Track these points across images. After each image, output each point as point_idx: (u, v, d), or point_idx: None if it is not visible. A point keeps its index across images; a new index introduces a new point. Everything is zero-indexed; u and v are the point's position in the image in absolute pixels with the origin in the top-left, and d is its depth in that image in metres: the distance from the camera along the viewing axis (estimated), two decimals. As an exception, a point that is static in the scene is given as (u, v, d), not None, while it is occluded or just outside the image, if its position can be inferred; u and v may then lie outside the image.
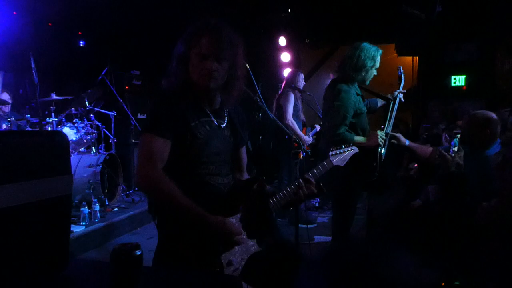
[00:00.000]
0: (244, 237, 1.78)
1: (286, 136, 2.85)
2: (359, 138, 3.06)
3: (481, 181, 2.80)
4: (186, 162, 1.80)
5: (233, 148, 1.98)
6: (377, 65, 3.15)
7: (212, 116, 1.89)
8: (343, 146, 2.27)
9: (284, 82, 5.41)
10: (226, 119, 1.94)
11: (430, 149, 3.32)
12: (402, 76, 3.52)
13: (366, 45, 3.13)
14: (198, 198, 1.71)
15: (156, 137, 1.73)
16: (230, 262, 1.73)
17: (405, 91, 3.41)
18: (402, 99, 3.43)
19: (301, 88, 5.25)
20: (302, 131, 5.27)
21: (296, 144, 4.92)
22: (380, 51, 3.16)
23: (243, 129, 2.04)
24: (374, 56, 3.10)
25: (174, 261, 1.72)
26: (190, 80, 1.84)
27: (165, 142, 1.74)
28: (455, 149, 3.35)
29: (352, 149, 2.29)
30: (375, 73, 3.18)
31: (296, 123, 5.09)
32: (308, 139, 5.36)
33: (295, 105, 5.15)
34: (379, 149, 3.05)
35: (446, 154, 3.15)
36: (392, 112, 3.31)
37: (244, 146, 2.08)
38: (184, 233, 1.71)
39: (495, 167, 2.47)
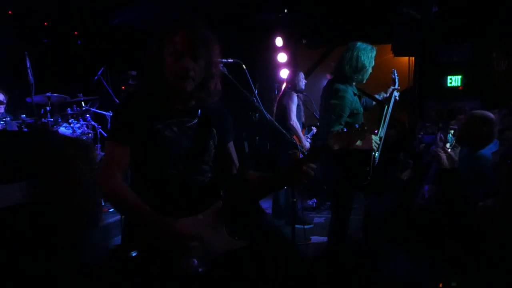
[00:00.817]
0: (207, 240, 1.68)
1: (289, 140, 2.82)
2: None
3: (476, 180, 2.81)
4: (154, 163, 1.81)
5: (207, 147, 1.93)
6: (373, 63, 3.18)
7: (182, 116, 1.87)
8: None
9: (285, 83, 5.38)
10: (197, 118, 1.91)
11: None
12: (396, 79, 3.59)
13: (361, 44, 3.15)
14: (164, 198, 1.74)
15: (115, 144, 1.78)
16: (191, 263, 1.62)
17: (399, 87, 3.41)
18: (397, 98, 3.43)
19: (303, 88, 5.23)
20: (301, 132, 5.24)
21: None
22: (375, 49, 3.19)
23: (224, 127, 2.00)
24: (371, 55, 3.14)
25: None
26: (163, 80, 1.81)
27: (124, 148, 1.78)
28: (450, 144, 3.34)
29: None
30: (370, 71, 3.21)
31: (299, 123, 5.06)
32: (306, 142, 5.32)
33: (298, 106, 5.10)
34: (373, 153, 3.06)
35: (440, 150, 3.12)
36: (386, 116, 3.32)
37: (228, 143, 2.04)
38: (141, 235, 1.68)
39: (492, 167, 2.48)
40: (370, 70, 3.19)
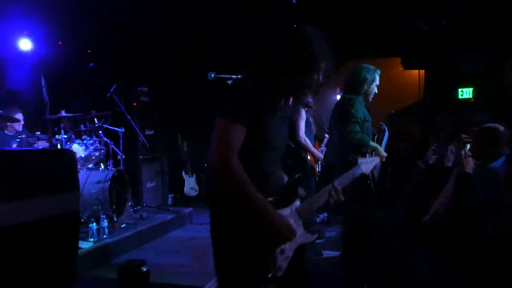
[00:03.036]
0: (299, 232, 1.86)
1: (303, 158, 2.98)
2: (373, 143, 3.48)
3: (488, 193, 2.78)
4: (256, 152, 1.84)
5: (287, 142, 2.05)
6: (377, 82, 3.61)
7: (281, 113, 1.94)
8: (369, 155, 2.32)
9: (291, 98, 5.35)
10: (284, 116, 1.99)
11: None
12: (386, 132, 4.08)
13: (365, 65, 3.66)
14: (261, 188, 1.75)
15: (236, 124, 1.72)
16: (283, 251, 1.82)
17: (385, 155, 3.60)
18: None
19: (311, 101, 5.22)
20: (315, 145, 5.18)
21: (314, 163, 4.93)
22: (379, 70, 3.64)
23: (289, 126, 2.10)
24: (372, 70, 3.59)
25: (233, 254, 1.77)
26: (287, 85, 1.87)
27: (242, 130, 1.74)
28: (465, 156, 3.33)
29: (375, 158, 2.33)
30: (376, 91, 3.64)
31: (309, 138, 5.01)
32: (319, 154, 5.26)
33: (307, 120, 5.08)
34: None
35: (467, 155, 3.12)
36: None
37: None
38: (244, 224, 1.74)
39: (500, 180, 2.45)
40: (373, 87, 3.61)
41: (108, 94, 5.67)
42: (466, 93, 7.30)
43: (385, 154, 3.51)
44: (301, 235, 1.89)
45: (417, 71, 7.91)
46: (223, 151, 1.69)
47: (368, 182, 3.32)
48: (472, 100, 7.28)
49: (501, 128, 3.00)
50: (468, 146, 3.19)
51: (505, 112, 6.68)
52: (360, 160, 2.24)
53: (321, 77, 1.85)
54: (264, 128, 1.83)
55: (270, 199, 1.80)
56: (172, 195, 7.25)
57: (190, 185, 7.69)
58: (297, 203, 1.90)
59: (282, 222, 1.77)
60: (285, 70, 1.82)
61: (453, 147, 3.64)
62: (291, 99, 1.97)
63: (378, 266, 3.69)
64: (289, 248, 1.83)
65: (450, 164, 3.46)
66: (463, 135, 4.16)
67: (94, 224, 4.44)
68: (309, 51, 1.81)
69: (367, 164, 2.25)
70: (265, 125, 1.83)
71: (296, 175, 1.93)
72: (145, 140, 6.02)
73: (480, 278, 2.28)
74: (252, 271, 1.77)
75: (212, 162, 1.71)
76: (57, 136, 4.97)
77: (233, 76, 3.85)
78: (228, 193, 1.75)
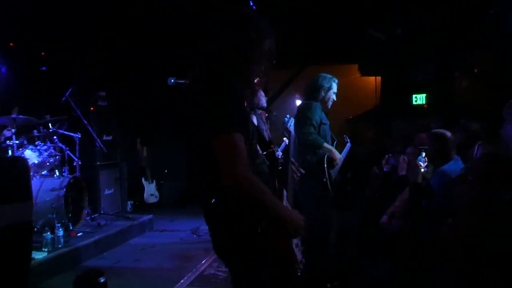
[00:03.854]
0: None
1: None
2: (327, 145, 3.69)
3: (438, 196, 2.91)
4: (250, 154, 1.79)
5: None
6: (334, 89, 3.81)
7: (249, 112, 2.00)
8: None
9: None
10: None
11: None
12: (348, 143, 4.15)
13: (323, 74, 3.86)
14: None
15: (237, 135, 1.67)
16: (296, 244, 1.90)
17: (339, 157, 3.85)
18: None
19: (265, 105, 5.25)
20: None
21: None
22: (336, 79, 3.84)
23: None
24: (329, 78, 3.79)
25: (261, 258, 1.76)
26: (250, 76, 1.89)
27: (242, 138, 1.70)
28: (423, 164, 3.48)
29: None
30: (334, 98, 3.83)
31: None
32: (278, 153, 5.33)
33: (258, 125, 5.11)
34: (326, 167, 3.61)
35: (420, 164, 3.26)
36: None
37: None
38: (266, 228, 1.74)
39: (453, 184, 2.56)
40: (331, 95, 3.80)
41: (63, 98, 5.48)
42: (419, 99, 7.59)
43: (339, 156, 3.76)
44: None
45: (374, 77, 8.17)
46: (237, 167, 1.63)
47: (325, 180, 3.55)
48: (425, 106, 7.58)
49: (444, 133, 3.15)
50: (424, 153, 3.35)
51: (455, 117, 7.02)
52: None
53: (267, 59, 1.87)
54: (252, 127, 1.87)
55: None
56: (131, 201, 7.08)
57: (150, 191, 7.55)
58: (285, 193, 1.98)
59: (297, 215, 1.79)
60: (249, 58, 1.83)
61: (405, 156, 3.83)
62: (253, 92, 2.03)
63: (337, 266, 3.78)
64: (296, 240, 1.90)
65: (403, 173, 3.62)
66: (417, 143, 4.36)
67: (49, 233, 4.27)
68: (252, 28, 1.83)
69: None
70: (252, 125, 1.89)
71: (277, 169, 1.98)
72: (102, 146, 5.85)
73: (434, 280, 2.37)
74: (288, 273, 1.81)
75: (228, 182, 1.64)
76: (7, 141, 4.75)
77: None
78: (250, 206, 1.71)
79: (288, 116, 3.31)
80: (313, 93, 3.79)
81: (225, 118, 1.68)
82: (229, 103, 1.71)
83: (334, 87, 3.83)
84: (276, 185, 1.94)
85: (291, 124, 3.17)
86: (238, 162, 1.63)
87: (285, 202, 1.95)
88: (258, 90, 2.05)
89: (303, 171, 2.21)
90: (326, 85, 3.77)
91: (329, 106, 3.85)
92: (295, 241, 1.89)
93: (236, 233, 1.78)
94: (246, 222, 1.75)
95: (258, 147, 1.99)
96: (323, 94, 3.77)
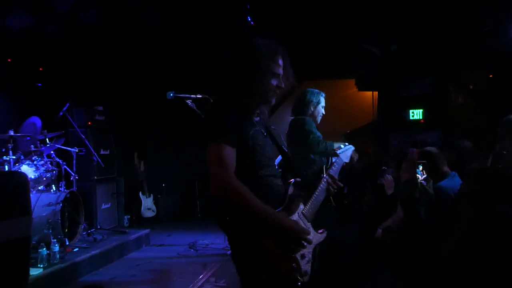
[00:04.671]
0: (311, 233, 1.92)
1: None
2: (336, 144, 3.63)
3: (435, 212, 2.91)
4: (251, 166, 1.90)
5: (276, 153, 2.12)
6: (323, 104, 3.89)
7: (258, 126, 2.01)
8: (343, 146, 2.65)
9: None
10: (263, 126, 2.07)
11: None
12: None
13: (310, 89, 3.95)
14: (265, 200, 1.79)
15: (225, 146, 1.79)
16: (303, 256, 1.87)
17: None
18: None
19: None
20: None
21: None
22: (323, 94, 3.92)
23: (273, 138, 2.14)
24: (316, 93, 3.88)
25: (255, 267, 1.78)
26: (253, 92, 1.94)
27: (232, 151, 1.81)
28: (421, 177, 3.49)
29: (350, 146, 2.67)
30: (323, 112, 3.91)
31: None
32: None
33: None
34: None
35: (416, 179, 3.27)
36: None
37: None
38: (259, 237, 1.77)
39: (453, 201, 2.57)
40: (320, 109, 3.87)
41: (61, 113, 5.49)
42: (416, 114, 7.64)
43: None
44: (314, 237, 1.95)
45: (371, 92, 8.23)
46: (220, 175, 1.76)
47: (329, 203, 3.46)
48: (422, 121, 7.62)
49: (433, 150, 3.19)
50: (421, 167, 3.36)
51: (451, 131, 7.07)
52: (339, 151, 2.51)
53: (284, 77, 1.98)
54: (252, 141, 1.90)
55: (279, 209, 1.86)
56: (128, 216, 7.03)
57: (147, 205, 7.52)
58: (301, 206, 1.96)
59: (298, 227, 1.84)
60: (249, 75, 1.91)
61: (389, 176, 3.88)
62: (263, 106, 2.06)
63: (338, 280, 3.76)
64: (307, 251, 1.89)
65: (391, 191, 3.65)
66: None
67: (44, 249, 4.23)
68: (263, 50, 1.93)
69: (346, 153, 2.55)
70: (252, 138, 1.90)
71: (291, 180, 1.99)
72: (100, 160, 5.84)
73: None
74: (284, 283, 1.80)
75: (212, 190, 1.77)
76: (4, 157, 4.73)
77: (192, 96, 3.86)
78: (238, 213, 1.79)
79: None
80: (302, 108, 3.86)
81: (216, 130, 1.83)
82: (223, 117, 1.85)
83: (322, 101, 3.91)
84: (287, 197, 1.94)
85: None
86: (221, 171, 1.76)
87: (296, 216, 1.91)
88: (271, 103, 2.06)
89: (341, 184, 2.17)
90: (315, 100, 3.85)
91: (319, 121, 3.90)
92: (304, 252, 1.87)
93: (234, 240, 1.88)
94: (241, 230, 1.83)
95: (271, 161, 2.02)
96: (312, 109, 3.85)
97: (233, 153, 1.81)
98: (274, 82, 1.96)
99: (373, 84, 7.82)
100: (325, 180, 2.10)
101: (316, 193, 2.05)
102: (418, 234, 2.95)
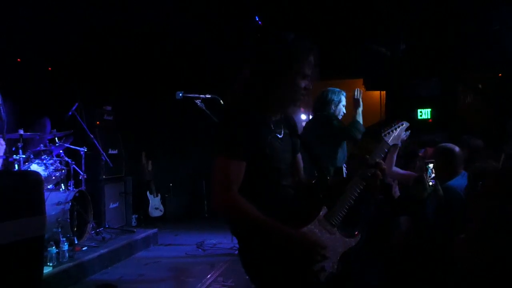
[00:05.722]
0: (329, 244, 1.75)
1: None
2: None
3: (445, 212, 2.88)
4: (265, 172, 1.81)
5: (292, 156, 1.97)
6: (343, 102, 3.89)
7: (275, 128, 1.88)
8: (393, 125, 2.11)
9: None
10: (283, 130, 1.92)
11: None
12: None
13: (331, 88, 3.95)
14: (278, 210, 1.72)
15: (232, 161, 1.70)
16: (323, 268, 1.72)
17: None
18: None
19: None
20: None
21: None
22: (344, 92, 3.92)
23: (297, 136, 2.02)
24: (337, 92, 3.86)
25: (269, 281, 1.72)
26: (273, 95, 1.82)
27: (240, 164, 1.72)
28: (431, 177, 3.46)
29: (401, 124, 2.12)
30: (344, 111, 3.91)
31: None
32: None
33: None
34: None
35: (425, 180, 3.25)
36: None
37: (299, 152, 2.05)
38: (271, 251, 1.70)
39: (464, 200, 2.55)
40: (341, 107, 3.87)
41: (70, 113, 5.52)
42: (424, 113, 7.60)
43: None
44: (339, 244, 1.78)
45: (379, 92, 8.19)
46: (221, 195, 1.69)
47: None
48: (430, 120, 7.58)
49: (456, 148, 3.13)
50: (431, 166, 3.33)
51: (460, 131, 7.01)
52: (383, 134, 2.05)
53: (308, 79, 1.84)
54: (267, 151, 1.79)
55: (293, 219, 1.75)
56: (136, 215, 7.07)
57: (155, 205, 7.55)
58: (324, 211, 1.79)
59: (308, 241, 1.70)
60: (279, 76, 1.78)
61: (394, 181, 3.87)
62: (287, 110, 1.91)
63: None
64: (330, 263, 1.73)
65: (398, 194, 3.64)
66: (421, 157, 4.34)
67: (54, 247, 4.26)
68: (289, 52, 1.80)
69: (392, 134, 2.05)
70: (270, 146, 1.80)
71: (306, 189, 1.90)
72: (108, 160, 5.87)
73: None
74: None
75: (214, 208, 1.72)
76: (14, 156, 4.77)
77: (201, 96, 3.88)
78: (244, 229, 1.76)
79: None
80: (323, 107, 3.84)
81: (224, 142, 1.74)
82: (233, 127, 1.74)
83: (343, 100, 3.90)
84: (306, 203, 1.84)
85: None
86: (223, 190, 1.68)
87: (314, 224, 1.76)
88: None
89: (385, 167, 1.90)
90: (336, 99, 3.84)
91: (340, 119, 3.89)
92: (324, 264, 1.72)
93: (245, 251, 1.82)
94: (250, 246, 1.78)
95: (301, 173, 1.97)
96: (333, 108, 3.84)
97: (241, 167, 1.72)
98: (303, 84, 1.82)
99: (381, 84, 7.79)
100: (364, 172, 1.85)
101: (347, 192, 1.83)
102: (425, 236, 2.93)
